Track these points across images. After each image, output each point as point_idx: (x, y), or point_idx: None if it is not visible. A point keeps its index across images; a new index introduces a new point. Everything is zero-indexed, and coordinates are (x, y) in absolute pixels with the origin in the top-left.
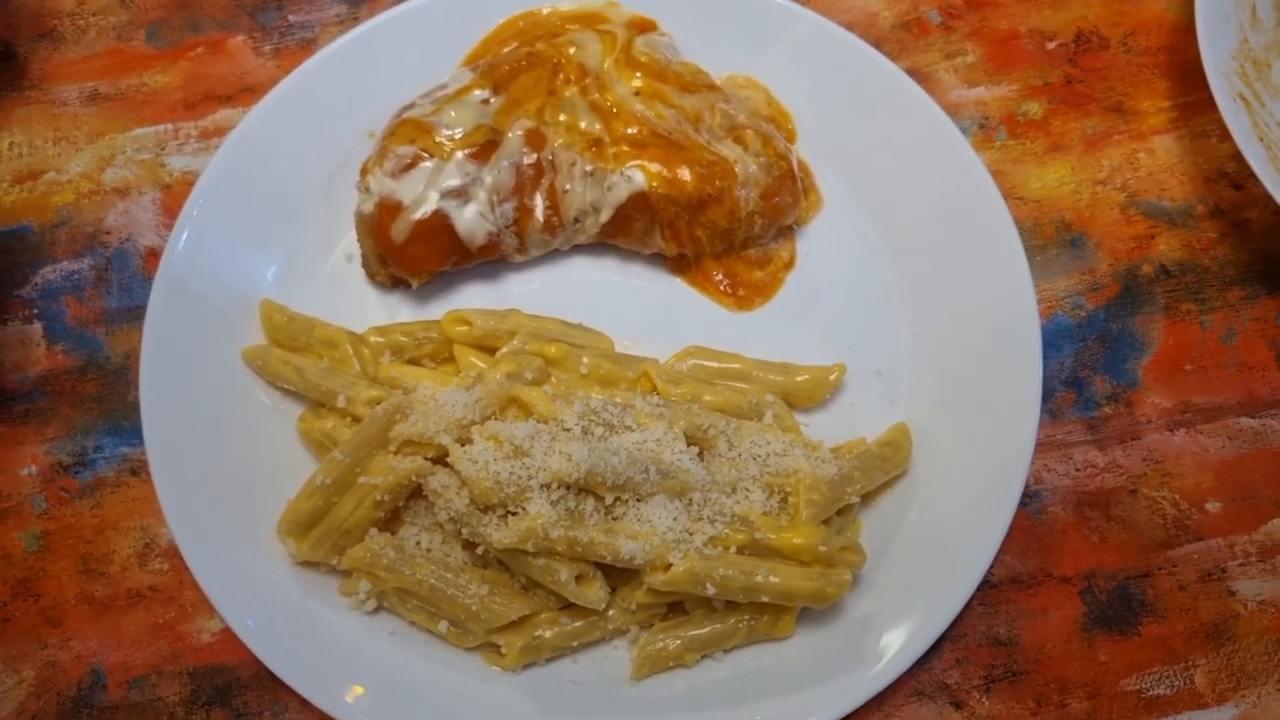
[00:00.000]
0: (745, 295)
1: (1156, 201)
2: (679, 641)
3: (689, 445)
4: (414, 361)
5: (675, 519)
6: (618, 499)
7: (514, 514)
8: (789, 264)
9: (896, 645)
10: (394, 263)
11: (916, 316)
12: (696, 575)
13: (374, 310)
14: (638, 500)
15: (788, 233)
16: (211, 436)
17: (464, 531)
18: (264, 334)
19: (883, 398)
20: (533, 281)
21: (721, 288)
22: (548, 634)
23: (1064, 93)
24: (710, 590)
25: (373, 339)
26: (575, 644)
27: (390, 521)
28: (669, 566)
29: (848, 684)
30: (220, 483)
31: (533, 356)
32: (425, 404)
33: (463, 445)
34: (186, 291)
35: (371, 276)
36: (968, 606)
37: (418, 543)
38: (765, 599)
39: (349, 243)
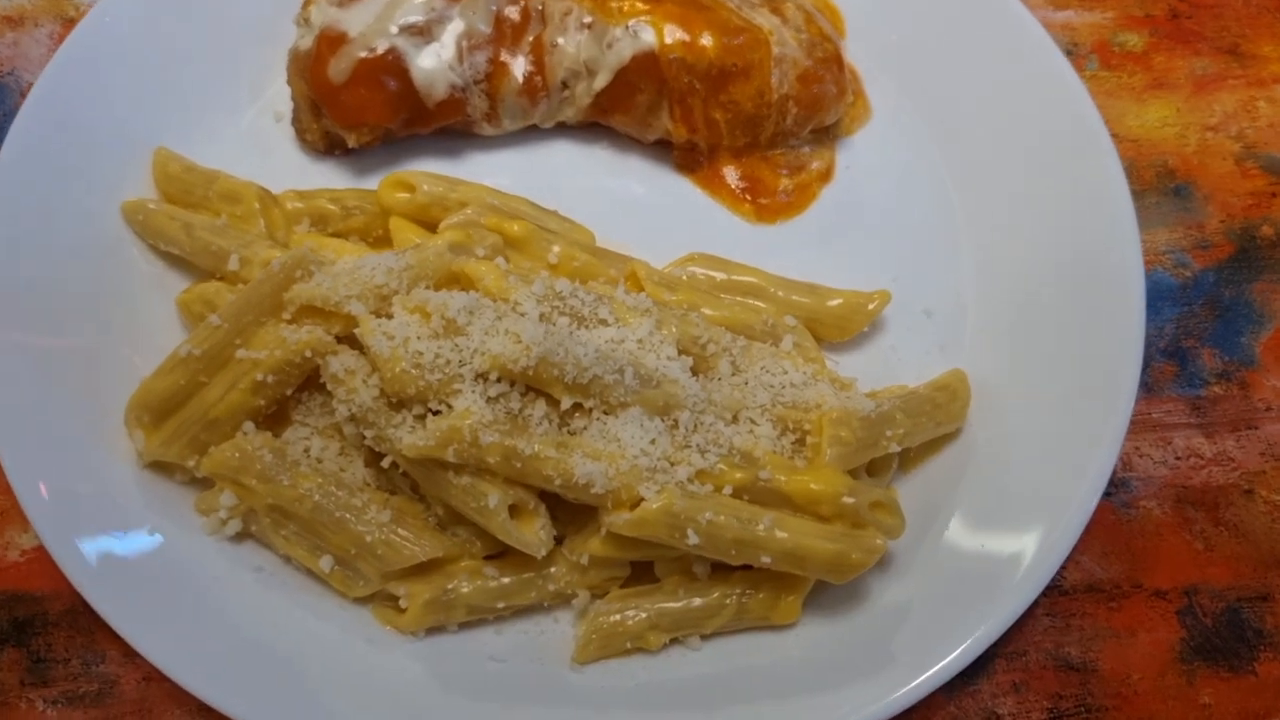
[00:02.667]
0: (767, 205)
1: (1278, 156)
2: (642, 616)
3: (681, 357)
4: (339, 237)
5: (653, 441)
6: (578, 406)
7: (436, 413)
8: (825, 176)
9: (934, 653)
10: (329, 110)
11: (983, 251)
12: (674, 517)
13: (302, 181)
14: (605, 412)
15: (826, 139)
16: (61, 301)
17: (368, 435)
18: (155, 188)
19: (931, 342)
20: (502, 164)
21: (738, 192)
22: (465, 588)
23: (1168, 27)
24: (691, 540)
25: (290, 203)
26: (502, 606)
27: (274, 419)
28: (638, 503)
29: (864, 696)
30: (63, 359)
31: (487, 231)
32: (338, 269)
33: (379, 318)
34: (59, 133)
35: (301, 135)
36: (1030, 614)
37: (306, 449)
38: (765, 561)
39: (281, 97)
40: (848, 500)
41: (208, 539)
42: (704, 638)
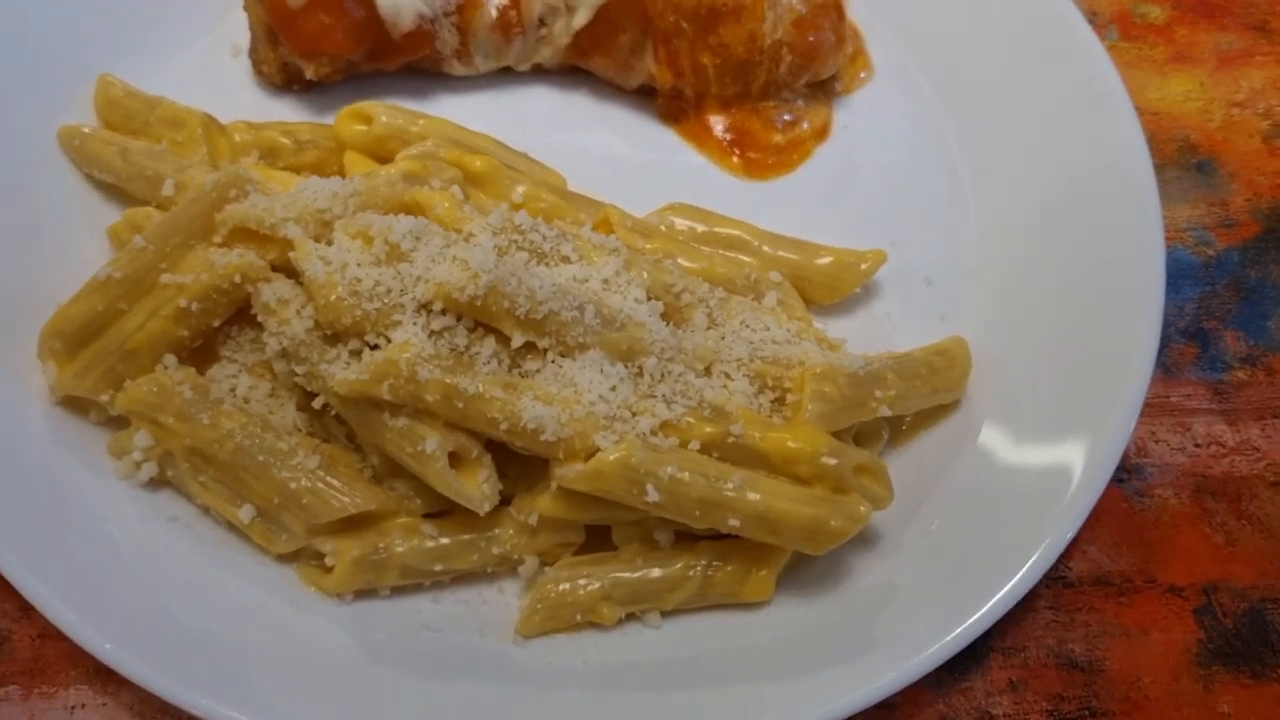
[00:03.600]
0: (757, 160)
1: None
2: (595, 585)
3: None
4: (291, 171)
5: (614, 388)
6: (531, 346)
7: (375, 349)
8: (820, 134)
9: (919, 640)
10: (286, 37)
11: (991, 218)
12: (633, 470)
13: (256, 117)
14: (561, 354)
15: (823, 96)
16: None
17: (299, 372)
18: (96, 115)
19: (930, 311)
20: (473, 108)
21: (726, 146)
22: (399, 547)
23: (1192, 0)
24: (651, 497)
25: (239, 135)
26: (439, 570)
27: (200, 355)
28: (593, 454)
29: (841, 684)
30: None
31: (446, 165)
32: (277, 191)
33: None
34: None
35: (258, 68)
36: (1030, 606)
37: (233, 389)
38: (734, 524)
39: (239, 28)
40: (828, 461)
41: (119, 484)
42: (664, 615)
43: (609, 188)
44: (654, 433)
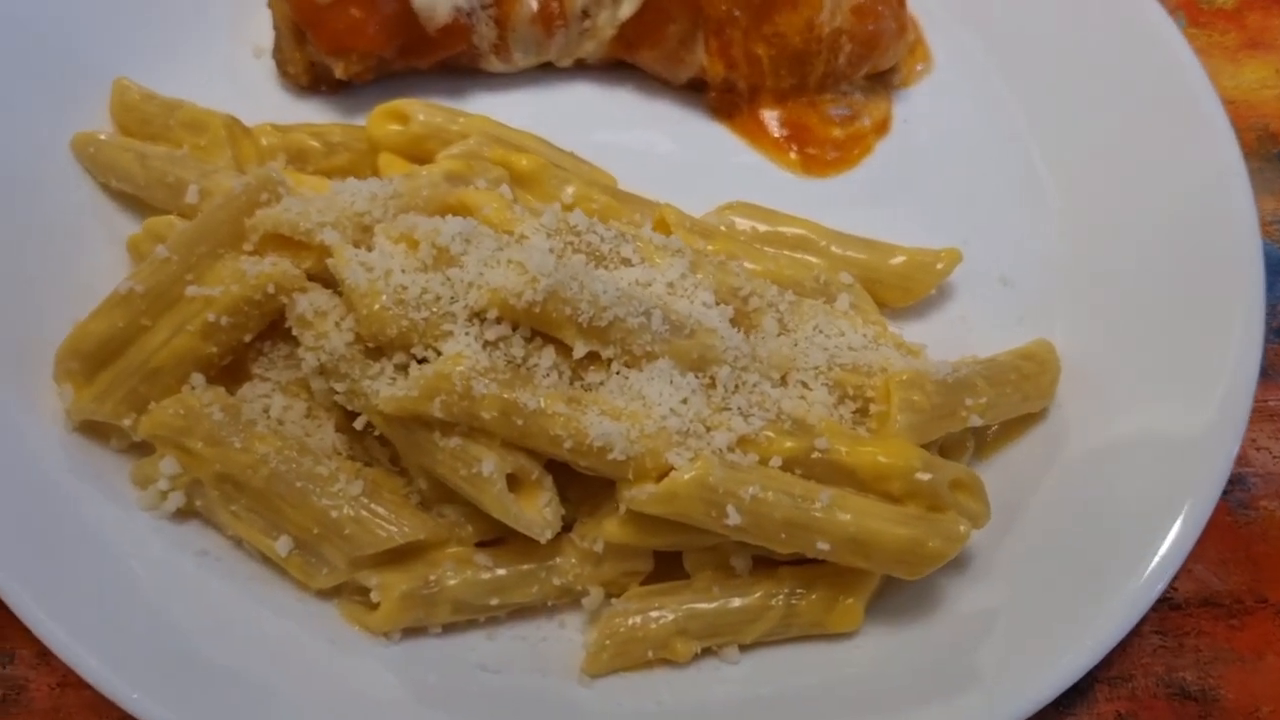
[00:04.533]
0: (815, 156)
1: None
2: (668, 618)
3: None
4: (322, 175)
5: (685, 400)
6: (594, 356)
7: (422, 363)
8: (880, 128)
9: (1026, 674)
10: (314, 34)
11: (1069, 212)
12: (711, 491)
13: (281, 119)
14: (627, 364)
15: (881, 88)
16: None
17: (339, 390)
18: (112, 120)
19: (1008, 313)
20: (512, 106)
21: (782, 141)
22: (451, 580)
23: None
24: (732, 520)
25: (265, 138)
26: (496, 604)
27: (229, 374)
28: (665, 473)
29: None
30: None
31: (491, 164)
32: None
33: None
34: (5, 60)
35: (283, 68)
36: (1136, 632)
37: (265, 409)
38: (823, 549)
39: (261, 31)
40: (923, 476)
41: (144, 516)
42: (743, 648)
43: (660, 187)
44: (731, 449)
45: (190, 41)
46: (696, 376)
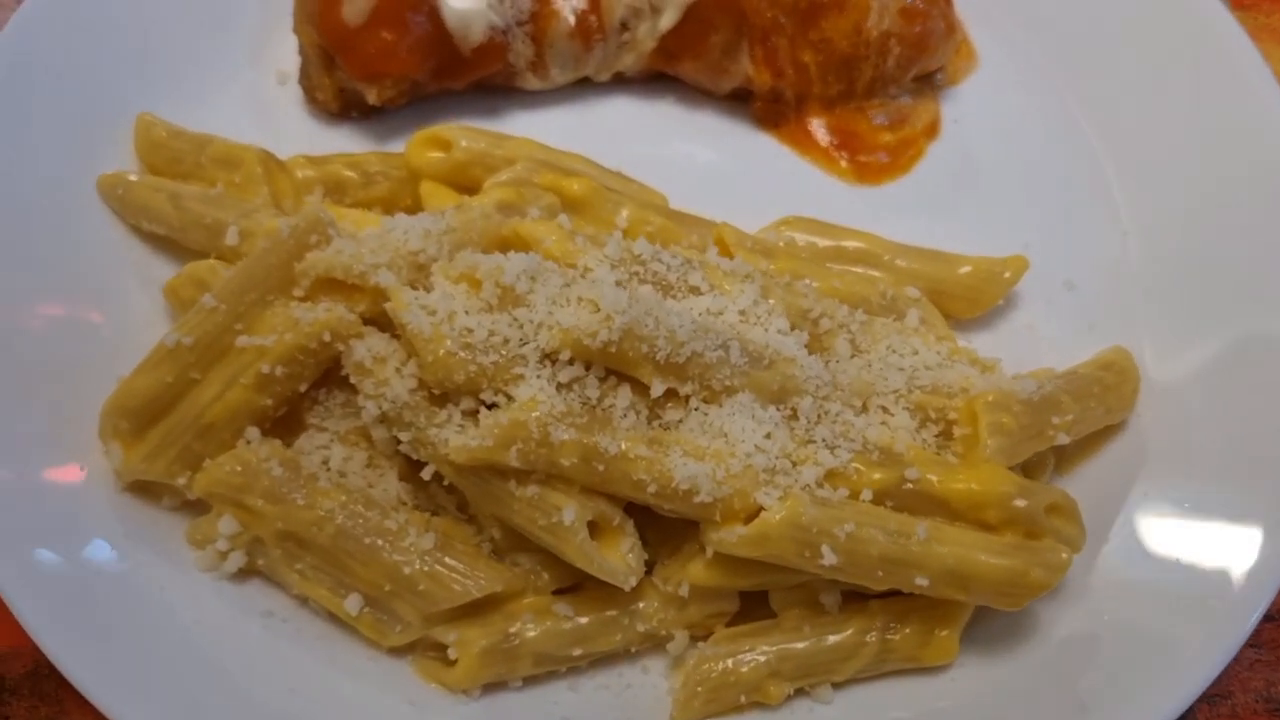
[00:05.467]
0: (867, 163)
1: None
2: (760, 660)
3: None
4: (360, 208)
5: (769, 435)
6: (671, 393)
7: (491, 407)
8: (931, 130)
9: (1131, 702)
10: (344, 60)
11: (1135, 212)
12: (804, 531)
13: (313, 149)
14: (705, 400)
15: (928, 89)
16: (23, 294)
17: (403, 439)
18: (137, 158)
19: (1077, 320)
20: (550, 124)
21: (832, 149)
22: (531, 632)
23: None
24: (827, 560)
25: (300, 171)
26: (578, 654)
27: (284, 425)
28: (754, 513)
29: None
30: (23, 362)
31: (542, 190)
32: (363, 234)
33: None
34: (24, 100)
35: (312, 95)
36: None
37: (325, 461)
38: (921, 584)
39: (285, 55)
40: (1020, 503)
41: (203, 578)
42: (836, 686)
43: (710, 203)
44: (820, 484)
45: (210, 71)
46: (778, 409)
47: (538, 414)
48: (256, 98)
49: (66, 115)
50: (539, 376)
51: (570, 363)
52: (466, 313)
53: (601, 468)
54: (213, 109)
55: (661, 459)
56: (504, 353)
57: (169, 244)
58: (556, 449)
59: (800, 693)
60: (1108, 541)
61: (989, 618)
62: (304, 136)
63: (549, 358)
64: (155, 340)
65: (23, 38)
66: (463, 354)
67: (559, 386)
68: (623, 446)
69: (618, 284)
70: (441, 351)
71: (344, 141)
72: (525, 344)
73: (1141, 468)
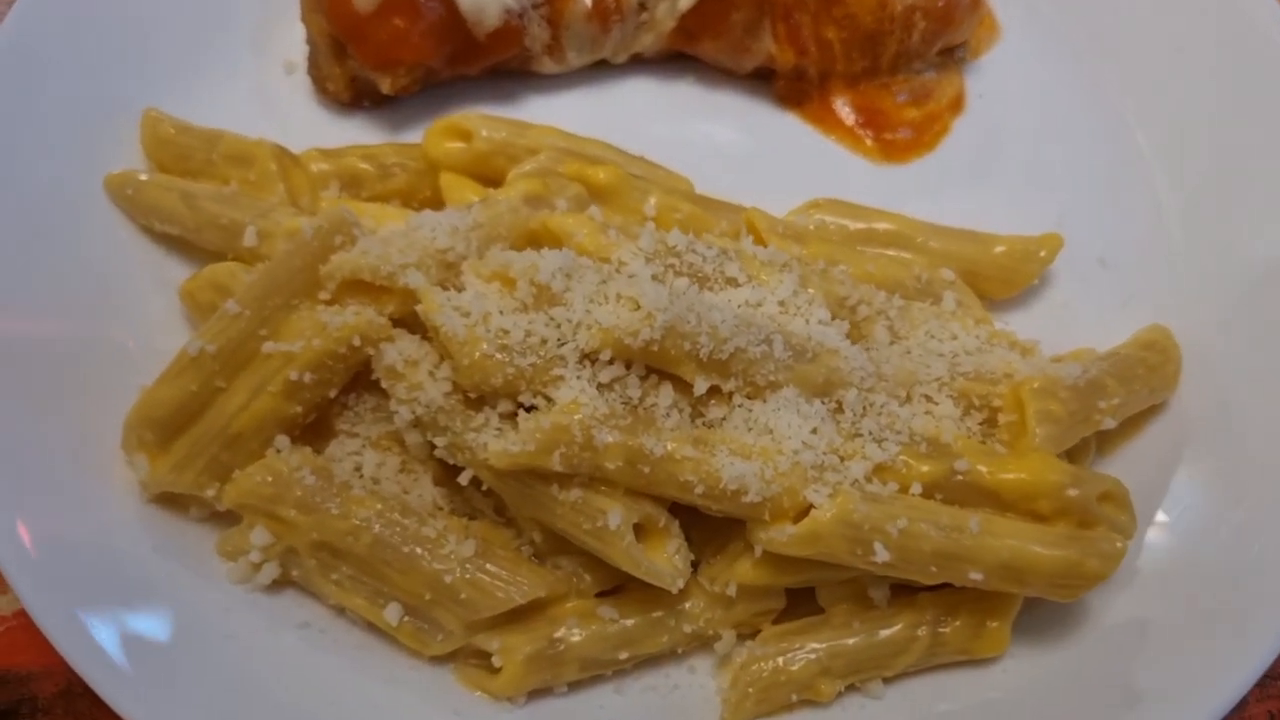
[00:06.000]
0: (893, 141)
1: None
2: (811, 658)
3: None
4: (377, 201)
5: (815, 430)
6: (714, 389)
7: (530, 410)
8: (956, 105)
9: (1188, 688)
10: (356, 49)
11: (1169, 184)
12: (855, 528)
13: (324, 141)
14: (749, 395)
15: (952, 64)
16: (34, 302)
17: (439, 444)
18: (144, 155)
19: (1112, 297)
20: (567, 109)
21: (856, 127)
22: (576, 637)
23: None
24: (879, 556)
25: (315, 165)
26: (624, 658)
27: (313, 431)
28: (804, 511)
29: None
30: (40, 373)
31: (568, 180)
32: (387, 233)
33: (446, 291)
34: (25, 99)
35: (321, 85)
36: None
37: (357, 467)
38: (975, 578)
39: (291, 44)
40: (1072, 493)
41: (235, 590)
42: (887, 681)
43: (734, 185)
44: (869, 479)
45: (215, 62)
46: (823, 402)
47: (580, 417)
48: (264, 89)
49: (67, 111)
50: (579, 377)
51: (610, 362)
52: (501, 313)
53: (647, 470)
54: (219, 102)
55: (708, 459)
56: (542, 354)
57: (182, 244)
58: (601, 452)
59: (850, 688)
60: (1153, 524)
61: (1037, 606)
62: (314, 128)
63: (588, 358)
64: (172, 345)
65: (18, 33)
66: (500, 356)
67: (600, 387)
68: (668, 447)
69: (653, 278)
70: (478, 354)
71: (356, 132)
72: (564, 344)
73: (1185, 447)
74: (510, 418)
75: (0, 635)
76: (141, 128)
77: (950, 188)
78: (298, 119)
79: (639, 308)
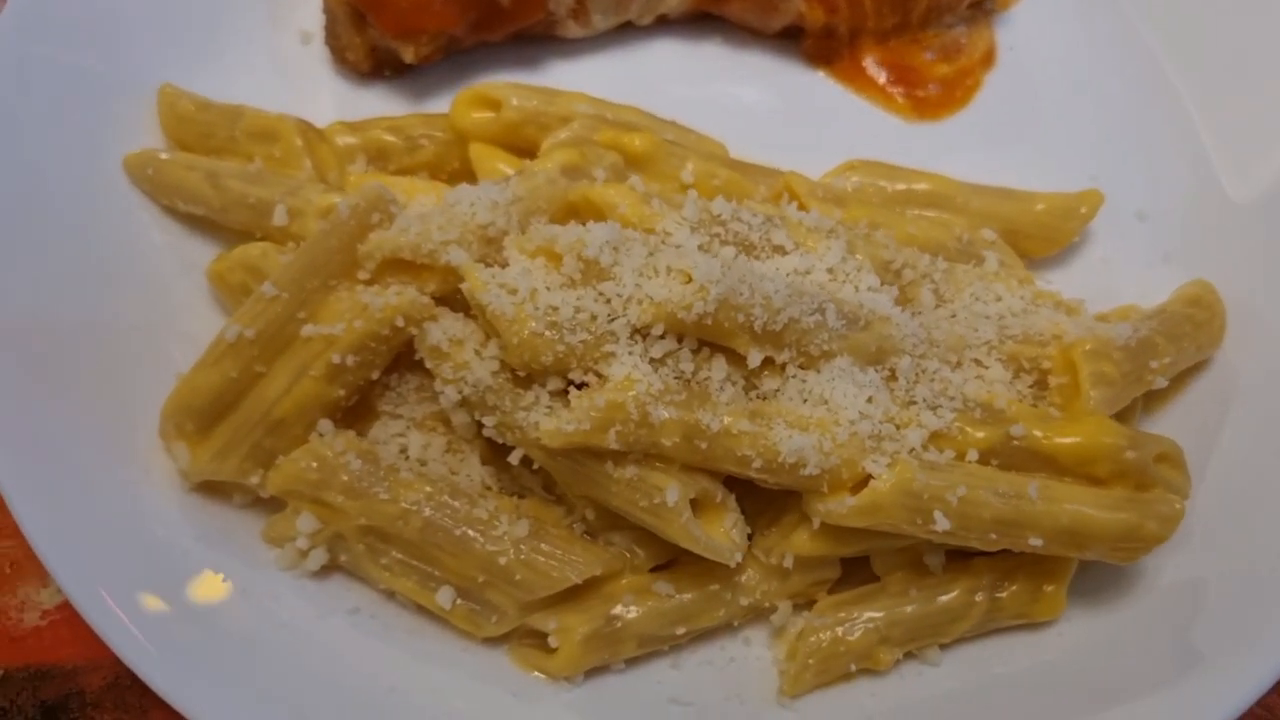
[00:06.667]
0: (925, 98)
1: None
2: (869, 627)
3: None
4: (404, 174)
5: (870, 400)
6: (768, 361)
7: (580, 387)
8: (987, 60)
9: (1249, 647)
10: (377, 18)
11: (1208, 132)
12: (915, 497)
13: (346, 112)
14: (802, 366)
15: (982, 16)
16: (58, 289)
17: (487, 423)
18: (162, 132)
19: (1150, 251)
20: (593, 73)
21: (887, 85)
22: (633, 613)
23: None
24: (940, 525)
25: (340, 138)
26: (681, 633)
27: (353, 413)
28: (862, 482)
29: (1166, 702)
30: (70, 361)
31: (603, 149)
32: (423, 210)
33: (488, 267)
34: (33, 77)
35: (340, 55)
36: None
37: (402, 449)
38: (1035, 544)
39: (307, 14)
40: (1130, 455)
41: (283, 576)
42: (943, 648)
43: (767, 147)
44: (925, 447)
45: (228, 33)
46: (876, 370)
47: (635, 393)
48: (280, 60)
49: (76, 87)
50: (631, 353)
51: (662, 336)
52: (548, 289)
53: (704, 445)
54: (234, 74)
55: (766, 433)
56: (592, 330)
57: (204, 224)
58: (657, 429)
59: (907, 656)
60: (1204, 480)
61: (1092, 568)
62: (334, 98)
63: (639, 332)
64: (201, 325)
65: (27, 12)
66: (549, 334)
67: (652, 362)
68: (725, 422)
69: (700, 248)
70: (527, 333)
71: (377, 101)
72: (614, 319)
73: (1231, 402)
74: (560, 395)
75: (44, 629)
76: (159, 104)
77: (984, 143)
78: (316, 90)
79: (691, 280)
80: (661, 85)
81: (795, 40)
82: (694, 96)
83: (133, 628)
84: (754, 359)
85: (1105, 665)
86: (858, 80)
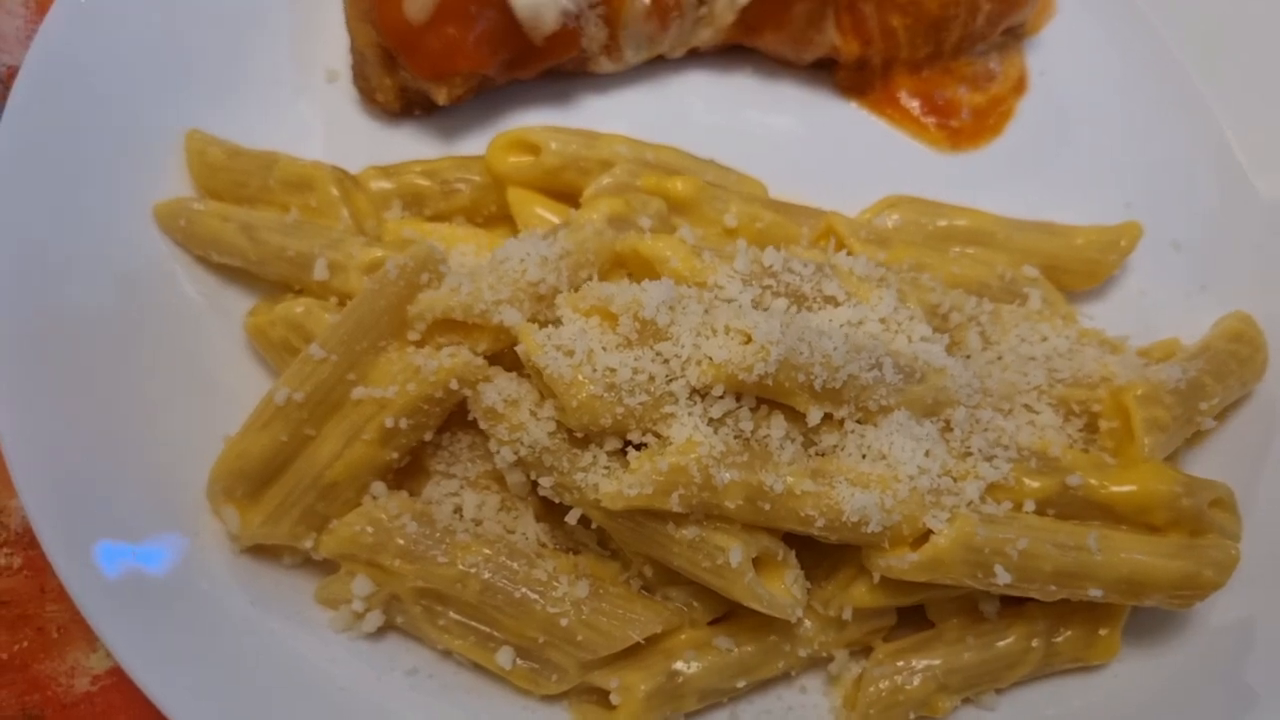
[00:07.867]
0: (959, 128)
1: None
2: (925, 675)
3: None
4: (440, 219)
5: (928, 453)
6: (827, 417)
7: (639, 447)
8: (1019, 86)
9: None
10: (408, 60)
11: (1246, 160)
12: (976, 552)
13: (376, 154)
14: (860, 421)
15: (1013, 43)
16: (98, 352)
17: (544, 484)
18: (191, 180)
19: (1187, 282)
20: (625, 108)
21: (920, 115)
22: (693, 668)
23: None
24: (1001, 579)
25: (374, 183)
26: (741, 685)
27: (406, 471)
28: (922, 537)
29: None
30: (112, 426)
31: (647, 196)
32: (470, 267)
33: (542, 327)
34: (59, 127)
35: (370, 95)
36: None
37: (457, 509)
38: (1095, 594)
39: (333, 53)
40: (1186, 502)
41: (338, 639)
42: (999, 692)
43: (804, 181)
44: (983, 499)
45: (253, 73)
46: (932, 423)
47: (697, 455)
48: (307, 100)
49: (106, 140)
50: (690, 414)
51: (721, 396)
52: (604, 349)
53: (767, 506)
54: (261, 115)
55: (828, 492)
56: (651, 391)
57: (239, 273)
58: (720, 491)
59: (967, 701)
60: (1251, 515)
61: (1145, 610)
62: (363, 138)
63: (699, 393)
64: (241, 381)
65: (49, 60)
66: (608, 396)
67: (711, 422)
68: (788, 482)
69: (753, 302)
70: (585, 395)
71: (407, 141)
72: (673, 380)
73: (1275, 434)
74: (618, 454)
75: (95, 695)
76: (187, 151)
77: (1018, 172)
78: (345, 130)
79: (750, 340)
80: (696, 119)
81: (827, 71)
82: (728, 130)
83: (186, 693)
84: (814, 417)
85: (1158, 705)
86: (891, 111)
